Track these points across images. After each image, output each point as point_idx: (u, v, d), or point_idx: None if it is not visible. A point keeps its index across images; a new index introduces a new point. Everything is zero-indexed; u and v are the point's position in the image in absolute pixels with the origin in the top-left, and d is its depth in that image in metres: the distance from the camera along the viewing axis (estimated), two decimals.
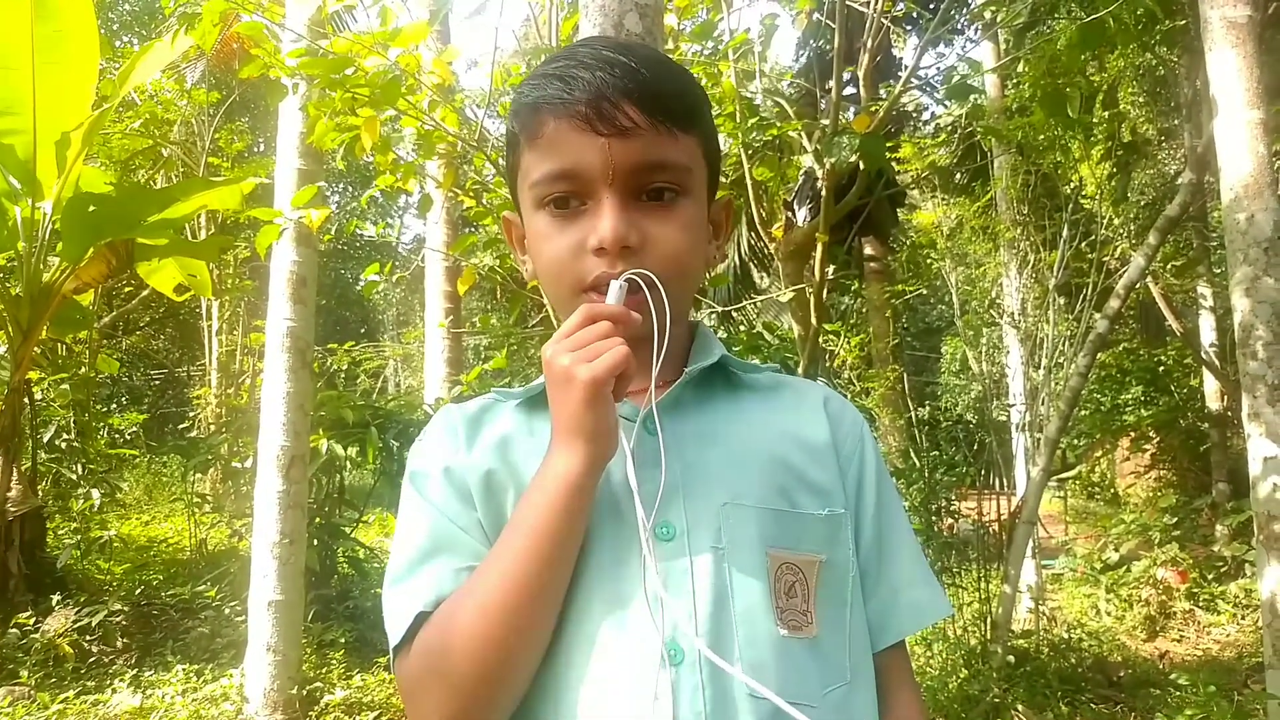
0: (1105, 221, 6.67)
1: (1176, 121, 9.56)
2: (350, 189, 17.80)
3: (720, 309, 6.49)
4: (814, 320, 3.23)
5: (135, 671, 4.59)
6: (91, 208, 5.02)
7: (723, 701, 0.75)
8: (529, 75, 0.91)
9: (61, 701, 4.10)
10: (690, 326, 0.96)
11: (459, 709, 0.76)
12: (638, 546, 0.77)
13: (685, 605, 0.76)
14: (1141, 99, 9.77)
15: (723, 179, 4.28)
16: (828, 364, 6.50)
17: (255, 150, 12.11)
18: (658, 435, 0.81)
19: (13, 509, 4.94)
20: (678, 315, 0.86)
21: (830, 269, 3.21)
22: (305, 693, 4.28)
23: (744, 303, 6.90)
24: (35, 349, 5.57)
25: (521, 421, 0.90)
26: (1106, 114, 6.92)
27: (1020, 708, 4.30)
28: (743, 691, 0.75)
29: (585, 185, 0.82)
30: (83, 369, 7.89)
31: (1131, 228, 7.51)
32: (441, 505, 0.85)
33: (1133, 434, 10.38)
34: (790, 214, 5.40)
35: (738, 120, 3.19)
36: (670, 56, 0.92)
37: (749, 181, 3.51)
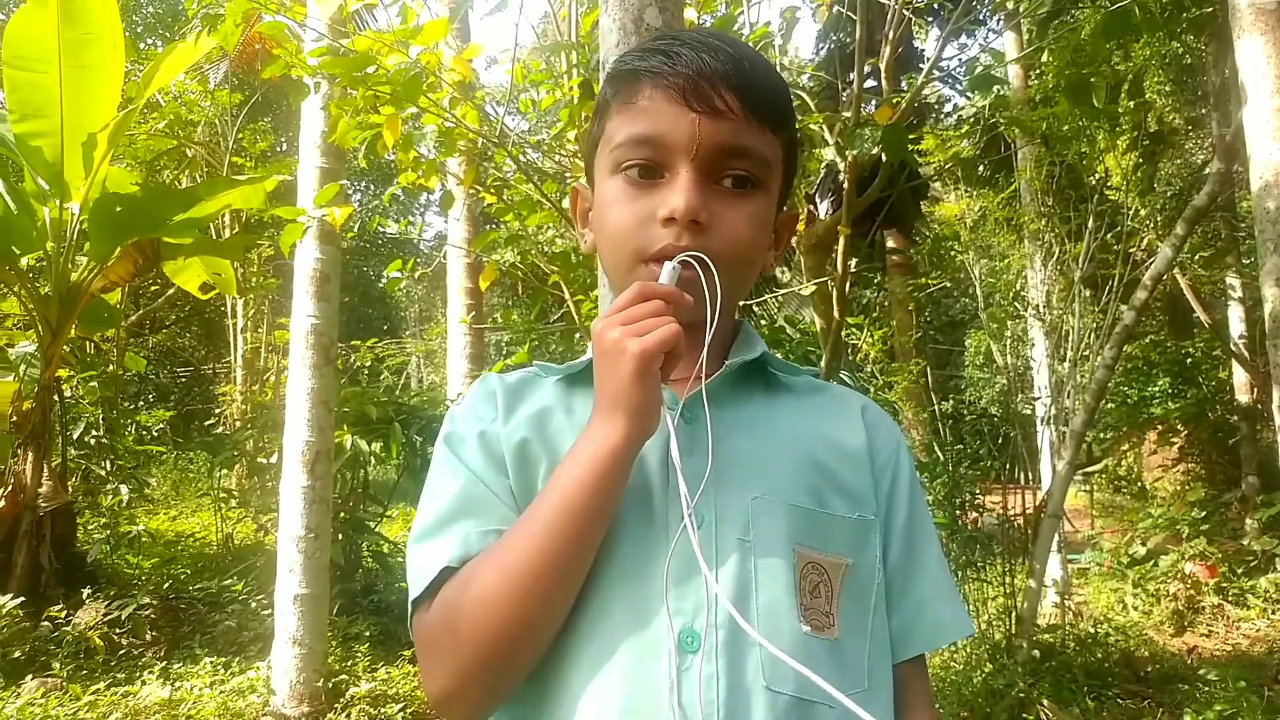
0: (1131, 212, 6.59)
1: (1204, 110, 9.43)
2: (372, 187, 17.93)
3: (742, 303, 6.46)
4: (836, 314, 3.22)
5: (164, 664, 4.66)
6: (118, 208, 5.08)
7: (737, 693, 0.74)
8: (630, 49, 0.91)
9: (92, 693, 4.16)
10: (735, 323, 0.96)
11: (471, 668, 0.76)
12: (663, 535, 0.77)
13: (707, 595, 0.76)
14: (1168, 88, 9.64)
15: None
16: (850, 358, 6.46)
17: (278, 149, 12.21)
18: (696, 423, 0.80)
19: (44, 505, 5.03)
20: (728, 306, 0.86)
21: (852, 262, 3.19)
22: (331, 685, 4.33)
23: (765, 296, 6.88)
24: (64, 347, 5.66)
25: (560, 397, 0.90)
26: (1132, 103, 6.84)
27: (1045, 702, 4.27)
28: (758, 684, 0.75)
29: (667, 156, 0.82)
30: (111, 367, 8.01)
31: (1158, 218, 7.42)
32: (475, 468, 0.85)
33: (1160, 427, 10.26)
34: (812, 207, 5.38)
35: None
36: (769, 63, 0.93)
37: None
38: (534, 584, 0.74)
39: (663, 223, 0.81)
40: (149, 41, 12.64)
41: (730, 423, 0.85)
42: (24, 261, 5.42)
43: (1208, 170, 5.00)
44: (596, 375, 0.78)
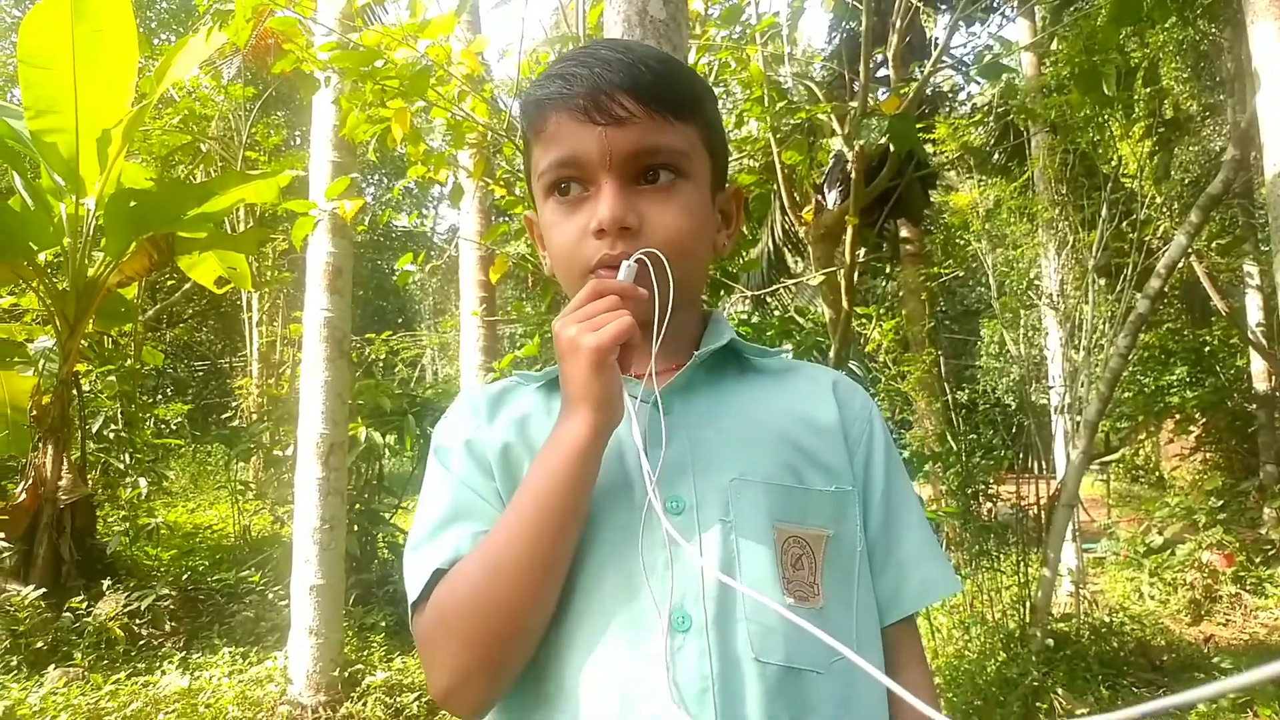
0: (1147, 200, 6.53)
1: (1221, 96, 9.32)
2: (384, 179, 17.97)
3: (753, 293, 6.47)
4: (845, 303, 3.22)
5: (183, 654, 4.73)
6: (133, 203, 5.13)
7: (729, 666, 0.77)
8: (534, 80, 0.95)
9: (113, 683, 4.23)
10: (704, 314, 0.99)
11: (468, 662, 0.79)
12: (647, 520, 0.79)
13: (693, 573, 0.79)
14: (1184, 74, 9.53)
15: (752, 163, 4.26)
16: (861, 347, 6.46)
17: (291, 143, 12.27)
18: (671, 414, 0.84)
19: (64, 497, 5.09)
20: (685, 297, 0.89)
21: (861, 252, 3.19)
22: (347, 674, 4.38)
23: (776, 286, 6.87)
24: (82, 342, 5.72)
25: (540, 402, 0.94)
26: (1147, 90, 6.77)
27: (1060, 691, 4.26)
28: (749, 656, 0.77)
29: (586, 172, 0.86)
30: (129, 361, 8.09)
31: (1175, 206, 7.35)
32: (463, 476, 0.90)
33: (1177, 416, 10.17)
34: (820, 197, 5.36)
35: (766, 104, 3.17)
36: (671, 55, 0.95)
37: (779, 165, 3.50)
38: (515, 576, 0.77)
39: (595, 235, 0.85)
40: (162, 37, 12.72)
41: (705, 410, 0.89)
42: (41, 257, 5.48)
43: (1224, 157, 4.94)
44: (560, 373, 0.82)
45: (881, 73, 6.50)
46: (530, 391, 0.96)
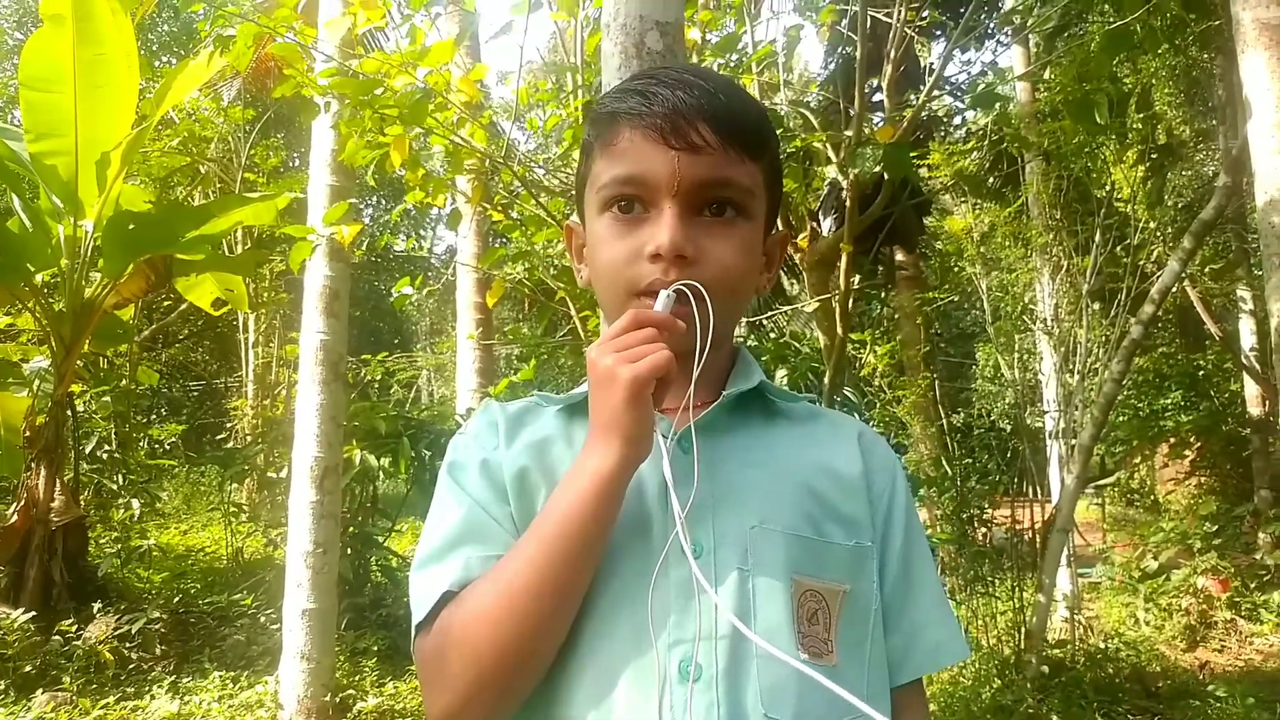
0: (1140, 225, 6.58)
1: (1213, 122, 9.41)
2: (383, 201, 18.03)
3: (750, 319, 6.49)
4: (840, 329, 3.23)
5: (173, 678, 4.68)
6: (131, 225, 5.14)
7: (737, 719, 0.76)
8: (610, 90, 0.93)
9: (102, 707, 4.19)
10: (732, 351, 0.97)
11: (471, 688, 0.77)
12: (663, 564, 0.78)
13: (707, 622, 0.77)
14: (1177, 100, 9.63)
15: None
16: (857, 372, 6.47)
17: (290, 165, 12.30)
18: (692, 453, 0.82)
19: (55, 519, 5.06)
20: (722, 335, 0.87)
21: (856, 278, 3.21)
22: (338, 700, 4.34)
23: (772, 312, 6.90)
24: (78, 363, 5.71)
25: (560, 427, 0.92)
26: (1140, 116, 6.84)
27: (1055, 718, 4.25)
28: (758, 711, 0.76)
29: (650, 193, 0.85)
30: (123, 381, 8.06)
31: (1168, 231, 7.40)
32: (476, 495, 0.87)
33: (1172, 440, 10.20)
34: (815, 224, 5.39)
35: None
36: (746, 91, 0.94)
37: None
38: (529, 605, 0.76)
39: (650, 258, 0.83)
40: (163, 60, 12.78)
41: (728, 451, 0.87)
42: (38, 278, 5.48)
43: (1217, 183, 4.99)
44: (591, 401, 0.80)
45: (876, 98, 6.57)
46: (550, 414, 0.94)
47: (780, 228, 0.99)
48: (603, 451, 0.77)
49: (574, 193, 0.97)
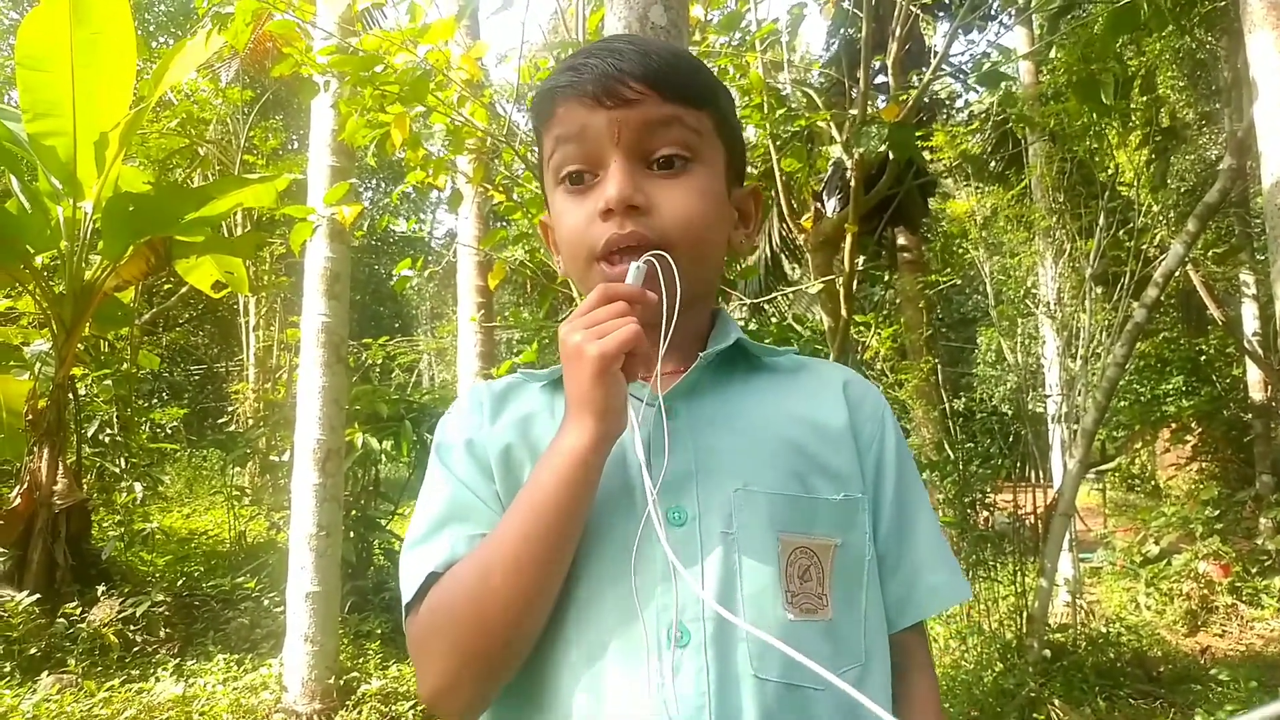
0: (1144, 208, 6.55)
1: (1218, 105, 9.35)
2: (383, 184, 17.98)
3: (751, 300, 6.48)
4: (844, 311, 3.22)
5: (178, 660, 4.70)
6: (130, 207, 5.12)
7: (727, 683, 0.76)
8: (549, 76, 0.93)
9: (107, 690, 4.20)
10: (711, 314, 0.96)
11: (458, 666, 0.78)
12: (648, 531, 0.77)
13: (694, 582, 0.77)
14: (1181, 83, 9.56)
15: (751, 170, 4.26)
16: (859, 355, 6.45)
17: (289, 147, 12.26)
18: (675, 418, 0.82)
19: (59, 502, 5.07)
20: (696, 291, 0.86)
21: (860, 260, 3.19)
22: (342, 682, 4.35)
23: (774, 294, 6.88)
24: (78, 346, 5.70)
25: (544, 401, 0.92)
26: (1144, 99, 6.79)
27: (1057, 702, 4.25)
28: (747, 673, 0.76)
29: (594, 154, 0.84)
30: (124, 365, 8.06)
31: (1171, 214, 7.37)
32: (462, 476, 0.88)
33: (1173, 425, 10.19)
34: (819, 205, 5.37)
35: (765, 111, 3.17)
36: (686, 51, 0.93)
37: (778, 173, 3.50)
38: (508, 582, 0.76)
39: (602, 216, 0.83)
40: (160, 40, 12.69)
41: (711, 414, 0.87)
42: (38, 260, 5.46)
43: (1221, 166, 4.96)
44: (564, 378, 0.80)
45: (879, 79, 6.52)
46: (535, 389, 0.94)
47: (750, 183, 0.97)
48: (575, 429, 0.77)
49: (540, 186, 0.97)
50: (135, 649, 4.78)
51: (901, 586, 0.89)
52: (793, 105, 3.43)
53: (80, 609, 4.78)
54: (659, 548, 0.75)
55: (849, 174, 3.05)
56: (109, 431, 7.08)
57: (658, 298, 0.79)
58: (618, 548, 0.79)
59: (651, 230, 0.82)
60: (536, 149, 0.96)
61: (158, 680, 4.39)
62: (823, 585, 0.82)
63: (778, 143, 3.43)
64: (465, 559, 0.81)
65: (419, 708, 4.30)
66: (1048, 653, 4.64)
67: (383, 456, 5.94)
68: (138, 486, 6.78)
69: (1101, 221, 6.18)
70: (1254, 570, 7.01)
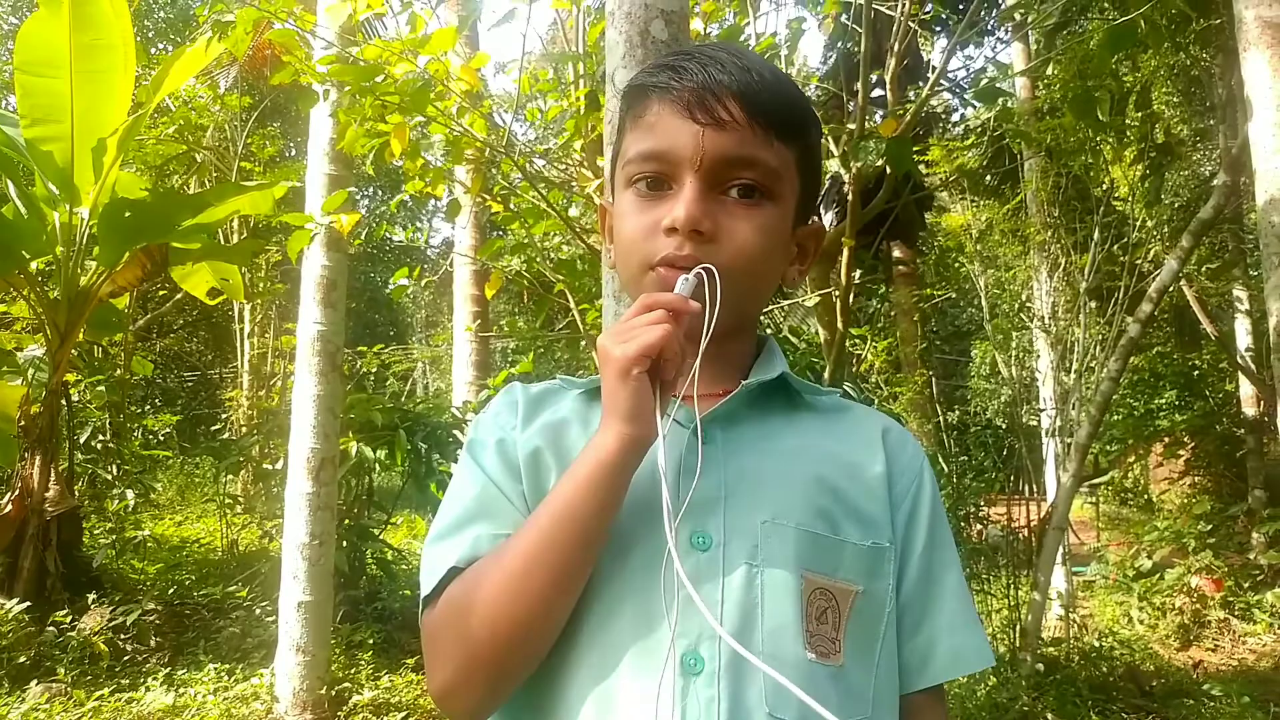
0: (1138, 224, 6.58)
1: (1212, 121, 9.41)
2: (380, 193, 17.96)
3: None
4: (840, 325, 3.22)
5: (168, 670, 4.66)
6: (127, 213, 5.11)
7: (738, 716, 0.74)
8: (646, 65, 0.93)
9: (97, 699, 4.17)
10: (757, 340, 0.96)
11: (470, 664, 0.77)
12: (670, 554, 0.76)
13: (711, 614, 0.76)
14: (1176, 99, 9.63)
15: None
16: (854, 368, 6.46)
17: (287, 155, 12.25)
18: (712, 444, 0.81)
19: (50, 509, 5.03)
20: (742, 320, 0.87)
21: (856, 273, 3.20)
22: (334, 693, 4.33)
23: (770, 306, 6.89)
24: (72, 351, 5.68)
25: (579, 409, 0.91)
26: (1140, 115, 6.83)
27: (1050, 717, 4.25)
28: (760, 710, 0.74)
29: (673, 168, 0.84)
30: (118, 371, 8.03)
31: (1165, 230, 7.41)
32: (491, 473, 0.87)
33: (1166, 439, 10.23)
34: (816, 218, 5.38)
35: None
36: (787, 75, 0.93)
37: None
38: (530, 583, 0.75)
39: (665, 232, 0.83)
40: (160, 46, 12.70)
41: (745, 442, 0.86)
42: (33, 266, 5.44)
43: (1215, 182, 4.99)
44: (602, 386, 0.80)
45: (876, 94, 6.54)
46: (571, 396, 0.94)
47: (816, 220, 0.96)
48: (605, 434, 0.77)
49: (589, 165, 0.97)
50: (125, 658, 4.75)
51: (922, 646, 0.86)
52: None
53: (70, 617, 4.74)
54: (685, 569, 0.74)
55: (846, 188, 3.06)
56: (101, 438, 7.05)
57: (699, 307, 0.79)
58: (639, 565, 0.78)
59: (710, 257, 0.81)
60: (616, 135, 0.94)
61: (148, 689, 4.36)
62: (838, 630, 0.80)
63: None
64: (486, 557, 0.80)
65: (410, 718, 4.28)
66: (1041, 666, 4.64)
67: (376, 465, 5.92)
68: (130, 494, 6.74)
69: (1096, 236, 6.21)
70: (1246, 585, 7.02)
